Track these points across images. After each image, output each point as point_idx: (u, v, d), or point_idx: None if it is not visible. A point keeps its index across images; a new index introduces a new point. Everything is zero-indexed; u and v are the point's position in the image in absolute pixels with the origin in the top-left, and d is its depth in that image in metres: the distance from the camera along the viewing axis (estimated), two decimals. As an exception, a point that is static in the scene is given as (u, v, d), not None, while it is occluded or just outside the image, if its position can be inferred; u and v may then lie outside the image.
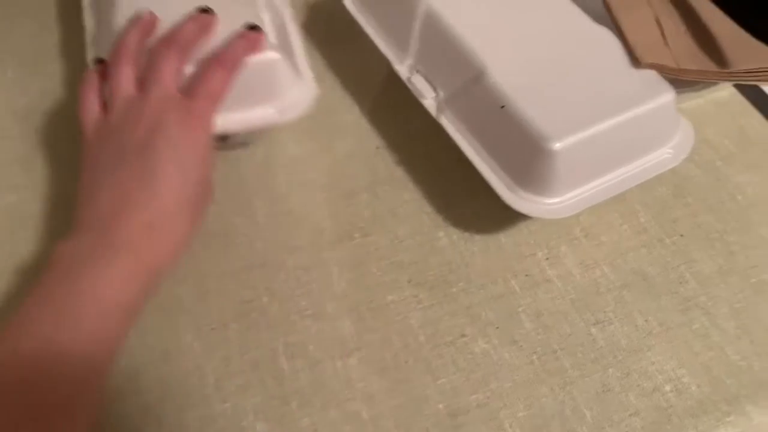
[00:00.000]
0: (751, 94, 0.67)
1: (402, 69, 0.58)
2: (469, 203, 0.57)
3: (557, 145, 0.47)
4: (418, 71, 0.57)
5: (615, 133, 0.49)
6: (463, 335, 0.51)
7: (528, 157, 0.49)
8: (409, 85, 0.57)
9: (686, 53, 0.54)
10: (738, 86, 0.66)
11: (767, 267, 0.55)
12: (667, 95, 0.51)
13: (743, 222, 0.58)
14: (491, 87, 0.51)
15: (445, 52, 0.55)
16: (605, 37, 0.54)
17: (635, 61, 0.53)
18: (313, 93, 0.56)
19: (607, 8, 0.56)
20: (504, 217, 0.51)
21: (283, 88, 0.55)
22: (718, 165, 0.61)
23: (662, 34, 0.54)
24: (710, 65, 0.53)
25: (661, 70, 0.53)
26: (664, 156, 0.52)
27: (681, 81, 0.55)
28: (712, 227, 0.57)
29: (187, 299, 0.51)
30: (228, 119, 0.53)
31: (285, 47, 0.57)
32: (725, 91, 0.67)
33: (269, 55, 0.54)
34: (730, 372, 0.49)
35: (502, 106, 0.50)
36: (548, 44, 0.54)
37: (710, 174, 0.61)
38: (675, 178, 0.60)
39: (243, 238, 0.55)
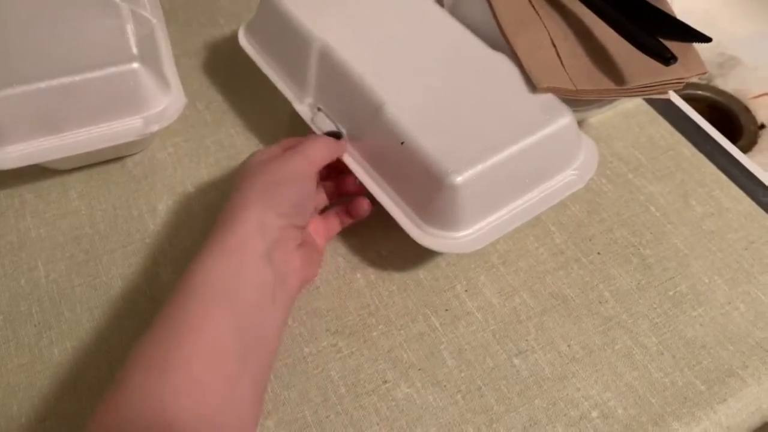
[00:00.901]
0: (658, 103, 0.68)
1: (303, 108, 0.56)
2: (384, 241, 0.56)
3: (458, 179, 0.46)
4: (319, 109, 0.56)
5: (516, 160, 0.48)
6: (385, 381, 0.49)
7: (431, 192, 0.48)
8: (312, 126, 0.55)
9: (583, 73, 0.54)
10: (644, 96, 0.66)
11: (683, 278, 0.55)
12: (565, 118, 0.50)
13: (657, 233, 0.58)
14: (390, 122, 0.50)
15: (342, 88, 0.54)
16: (501, 63, 0.54)
17: (532, 85, 0.52)
18: (180, 102, 0.57)
19: (502, 32, 0.55)
20: (421, 251, 0.49)
21: (148, 98, 0.55)
22: (630, 177, 0.62)
23: (558, 55, 0.54)
24: (608, 83, 0.53)
25: (559, 92, 0.52)
26: (569, 178, 0.52)
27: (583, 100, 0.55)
28: (627, 241, 0.57)
29: (91, 374, 0.48)
30: (92, 133, 0.54)
31: (151, 57, 0.56)
32: (632, 102, 0.67)
33: (130, 66, 0.53)
34: (655, 390, 0.49)
35: (402, 142, 0.49)
36: (445, 74, 0.53)
37: (622, 187, 0.61)
38: (588, 194, 0.60)
39: (149, 301, 0.52)
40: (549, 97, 0.52)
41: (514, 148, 0.48)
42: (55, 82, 0.52)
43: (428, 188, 0.48)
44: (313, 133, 0.55)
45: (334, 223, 0.54)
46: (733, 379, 0.50)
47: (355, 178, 0.53)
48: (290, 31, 0.57)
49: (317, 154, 0.49)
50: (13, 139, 0.52)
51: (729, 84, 1.01)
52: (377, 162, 0.52)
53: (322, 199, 0.55)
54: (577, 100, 0.55)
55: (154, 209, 0.58)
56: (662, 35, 0.53)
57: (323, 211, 0.55)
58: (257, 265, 0.43)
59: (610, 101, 0.59)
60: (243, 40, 0.62)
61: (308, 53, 0.56)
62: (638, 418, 0.48)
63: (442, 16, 0.59)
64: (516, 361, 0.50)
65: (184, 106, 0.56)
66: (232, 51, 0.70)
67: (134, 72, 0.53)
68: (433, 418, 0.47)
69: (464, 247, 0.48)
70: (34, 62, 0.52)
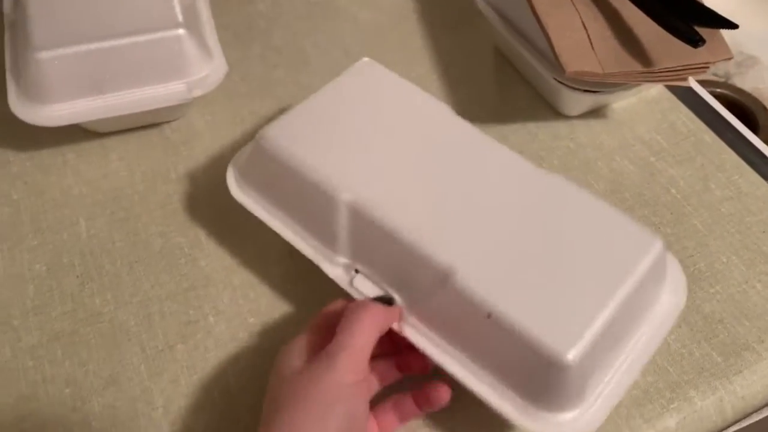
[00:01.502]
0: (680, 91, 0.69)
1: (336, 272, 0.46)
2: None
3: (571, 356, 0.39)
4: (357, 271, 0.46)
5: (620, 311, 0.42)
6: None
7: (537, 371, 0.40)
8: (350, 291, 0.46)
9: (611, 56, 0.55)
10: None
11: (701, 257, 0.57)
12: (655, 245, 0.44)
13: (677, 214, 0.59)
14: (464, 292, 0.41)
15: (388, 250, 0.44)
16: (561, 185, 0.47)
17: (561, 69, 0.54)
18: (222, 70, 0.58)
19: (534, 12, 0.57)
20: None
21: (191, 64, 0.57)
22: (652, 160, 0.63)
23: (588, 37, 0.56)
24: (635, 66, 0.55)
25: (587, 76, 0.54)
26: (663, 306, 0.47)
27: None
28: (648, 221, 0.59)
29: (131, 323, 0.51)
30: (136, 96, 0.55)
31: (194, 25, 0.58)
32: (655, 90, 0.69)
33: (176, 32, 0.55)
34: (672, 360, 0.51)
35: (489, 315, 0.40)
36: (507, 213, 0.45)
37: (644, 170, 0.63)
38: (611, 174, 0.62)
39: (186, 257, 0.54)
40: (626, 221, 0.45)
41: (617, 298, 0.41)
42: (103, 45, 0.54)
43: (531, 367, 0.40)
44: (350, 297, 0.45)
45: (390, 420, 0.43)
46: (749, 352, 0.51)
47: (423, 355, 0.43)
48: (303, 185, 0.47)
49: (364, 337, 0.39)
50: (61, 98, 0.55)
51: (747, 83, 1.02)
52: (451, 335, 0.43)
53: (374, 386, 0.44)
54: (602, 83, 0.57)
55: (192, 173, 0.60)
56: (689, 20, 0.54)
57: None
58: None
59: (636, 85, 0.60)
60: (237, 192, 0.50)
61: (334, 209, 0.46)
62: (656, 385, 0.49)
63: (474, 135, 0.49)
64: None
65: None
66: (268, 26, 0.72)
67: (179, 38, 0.56)
68: None
69: (585, 427, 0.41)
70: (83, 25, 0.54)
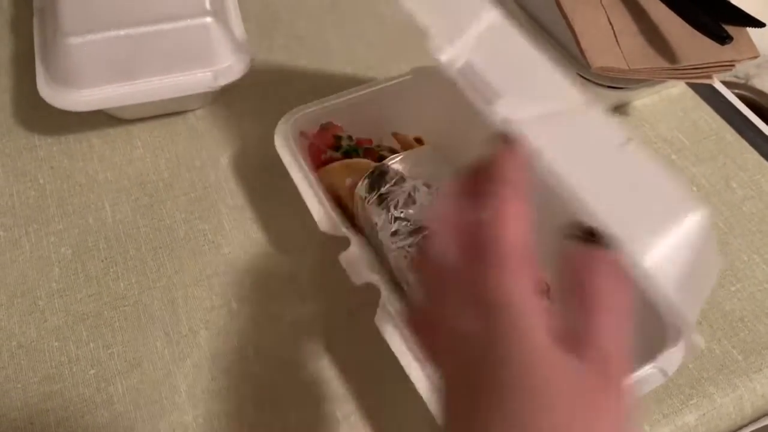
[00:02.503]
0: (702, 89, 0.69)
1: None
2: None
3: None
4: None
5: None
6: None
7: None
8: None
9: (637, 52, 0.56)
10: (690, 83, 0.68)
11: (723, 255, 0.57)
12: None
13: (699, 212, 0.59)
14: None
15: None
16: None
17: (586, 64, 0.54)
18: (248, 59, 0.58)
19: (560, 8, 0.57)
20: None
21: (218, 53, 0.57)
22: (673, 158, 0.63)
23: (614, 33, 0.56)
24: (660, 62, 0.55)
25: (613, 72, 0.54)
26: None
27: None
28: (669, 218, 0.59)
29: (155, 307, 0.51)
30: (164, 83, 0.56)
31: (221, 14, 0.58)
32: (677, 88, 0.69)
33: (203, 20, 0.55)
34: (693, 358, 0.51)
35: None
36: None
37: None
38: (632, 172, 0.62)
39: (210, 244, 0.55)
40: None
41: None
42: (132, 31, 0.55)
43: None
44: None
45: None
46: (769, 351, 0.51)
47: None
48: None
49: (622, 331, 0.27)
50: (90, 83, 0.55)
51: (766, 84, 1.02)
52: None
53: None
54: (627, 79, 0.57)
55: (217, 162, 0.60)
56: (716, 17, 0.54)
57: None
58: None
59: (660, 82, 0.60)
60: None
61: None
62: (675, 381, 0.50)
63: None
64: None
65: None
66: (291, 15, 0.72)
67: (206, 26, 0.56)
68: None
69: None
70: (112, 11, 0.55)
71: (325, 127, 0.54)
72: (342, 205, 0.51)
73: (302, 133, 0.54)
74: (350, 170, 0.51)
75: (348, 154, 0.54)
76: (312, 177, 0.50)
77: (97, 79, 0.55)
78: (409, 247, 0.46)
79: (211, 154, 0.61)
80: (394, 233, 0.47)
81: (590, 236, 0.29)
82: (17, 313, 0.50)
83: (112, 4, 0.55)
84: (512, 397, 0.25)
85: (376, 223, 0.48)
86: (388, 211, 0.48)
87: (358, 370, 0.49)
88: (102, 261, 0.53)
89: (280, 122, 0.53)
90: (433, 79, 0.54)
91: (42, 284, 0.52)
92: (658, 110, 0.67)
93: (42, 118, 0.61)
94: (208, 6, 0.56)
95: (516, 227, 0.28)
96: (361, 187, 0.49)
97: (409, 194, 0.48)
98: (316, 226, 0.50)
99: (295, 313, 0.51)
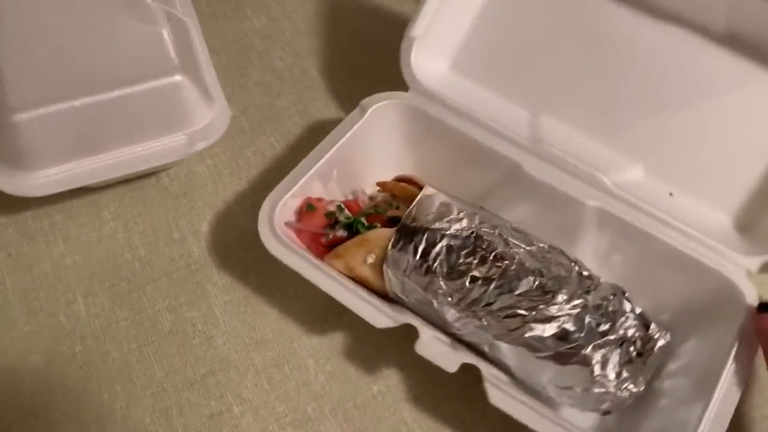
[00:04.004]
0: None
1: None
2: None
3: None
4: None
5: None
6: (463, 422, 0.46)
7: None
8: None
9: None
10: None
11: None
12: None
13: None
14: None
15: None
16: None
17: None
18: (226, 116, 0.52)
19: None
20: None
21: (191, 112, 0.51)
22: None
23: None
24: None
25: None
26: None
27: None
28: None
29: (147, 421, 0.45)
30: (132, 154, 0.49)
31: (191, 66, 0.51)
32: None
33: (172, 78, 0.49)
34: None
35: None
36: None
37: None
38: None
39: (201, 336, 0.48)
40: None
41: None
42: (90, 99, 0.47)
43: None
44: None
45: None
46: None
47: None
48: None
49: None
50: (47, 162, 0.48)
51: None
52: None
53: None
54: None
55: (197, 231, 0.53)
56: None
57: None
58: None
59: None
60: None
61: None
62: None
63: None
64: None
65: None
66: (263, 46, 0.65)
67: (176, 85, 0.49)
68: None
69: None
70: (65, 78, 0.47)
71: (308, 209, 0.48)
72: (366, 287, 0.46)
73: (287, 224, 0.47)
74: (366, 246, 0.45)
75: (350, 227, 0.48)
76: (326, 268, 0.45)
77: (54, 157, 0.48)
78: (483, 307, 0.42)
79: (189, 222, 0.54)
80: (460, 300, 0.43)
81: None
82: (-10, 446, 0.44)
83: (65, 71, 0.47)
84: None
85: (429, 295, 0.43)
86: (437, 275, 0.43)
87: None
88: (80, 368, 0.47)
89: (260, 219, 0.47)
90: (397, 110, 0.52)
91: (12, 405, 0.45)
92: None
93: (-9, 196, 0.53)
94: (175, 61, 0.49)
95: None
96: (395, 258, 0.44)
97: (449, 248, 0.44)
98: (318, 305, 0.45)
99: (308, 413, 0.46)
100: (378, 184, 0.52)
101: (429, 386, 0.47)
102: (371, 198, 0.53)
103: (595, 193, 0.49)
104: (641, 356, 0.42)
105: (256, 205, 0.48)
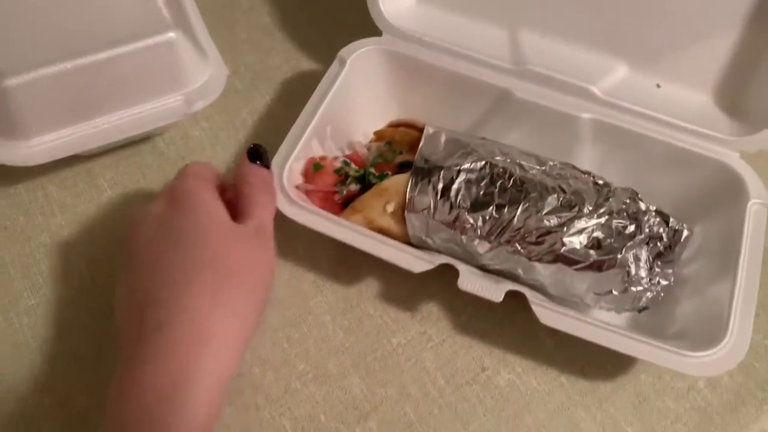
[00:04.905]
0: None
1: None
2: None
3: None
4: None
5: None
6: (484, 369, 0.46)
7: None
8: None
9: None
10: None
11: None
12: None
13: None
14: None
15: None
16: None
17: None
18: (222, 74, 0.51)
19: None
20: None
21: (187, 71, 0.49)
22: None
23: None
24: None
25: None
26: None
27: None
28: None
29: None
30: (129, 117, 0.48)
31: (183, 23, 0.49)
32: None
33: (166, 35, 0.47)
34: (757, 354, 0.47)
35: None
36: None
37: None
38: None
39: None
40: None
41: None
42: (81, 61, 0.45)
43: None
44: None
45: None
46: (833, 336, 0.49)
47: None
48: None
49: (270, 216, 0.43)
50: (40, 130, 0.46)
51: None
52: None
53: None
54: None
55: (199, 194, 0.52)
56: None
57: None
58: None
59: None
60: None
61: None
62: (746, 385, 0.46)
63: None
64: (614, 334, 0.48)
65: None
66: (249, 3, 0.63)
67: (170, 43, 0.47)
68: (541, 403, 0.45)
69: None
70: (55, 40, 0.45)
71: (316, 169, 0.48)
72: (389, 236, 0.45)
73: (298, 188, 0.47)
74: (384, 195, 0.45)
75: (362, 180, 0.47)
76: (350, 224, 0.44)
77: (48, 123, 0.46)
78: (514, 233, 0.43)
79: (191, 186, 0.52)
80: (489, 231, 0.43)
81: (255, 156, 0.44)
82: (8, 425, 0.42)
83: (53, 32, 0.45)
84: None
85: (456, 232, 0.44)
86: (462, 211, 0.43)
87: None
88: (89, 341, 0.45)
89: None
90: (375, 56, 0.52)
91: (24, 380, 0.44)
92: None
93: (-21, 169, 0.51)
94: (167, 17, 0.47)
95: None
96: (416, 202, 0.44)
97: (468, 182, 0.44)
98: (329, 263, 0.47)
99: (330, 368, 0.45)
100: (375, 133, 0.52)
101: (447, 335, 0.47)
102: (368, 149, 0.52)
103: (587, 104, 0.50)
104: (669, 249, 0.44)
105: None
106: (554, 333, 0.47)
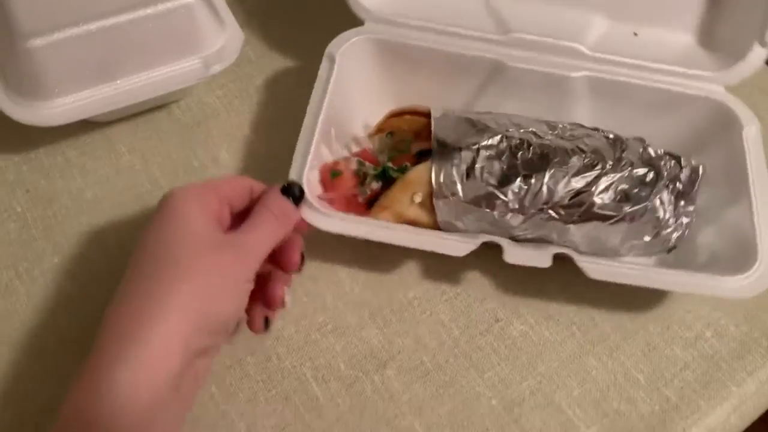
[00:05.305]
0: None
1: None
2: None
3: None
4: None
5: None
6: (497, 320, 0.47)
7: None
8: None
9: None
10: None
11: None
12: None
13: None
14: None
15: None
16: None
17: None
18: (239, 39, 0.52)
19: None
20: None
21: (205, 36, 0.50)
22: None
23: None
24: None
25: None
26: None
27: None
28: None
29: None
30: (149, 79, 0.49)
31: None
32: None
33: (185, 0, 0.48)
34: (764, 305, 0.49)
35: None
36: None
37: None
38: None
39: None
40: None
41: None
42: (103, 23, 0.46)
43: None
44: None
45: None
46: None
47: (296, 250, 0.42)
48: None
49: (270, 242, 0.39)
50: (62, 91, 0.47)
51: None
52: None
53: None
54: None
55: (217, 158, 0.53)
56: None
57: None
58: (168, 397, 0.33)
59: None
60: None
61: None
62: (751, 334, 0.48)
63: None
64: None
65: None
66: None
67: (189, 6, 0.48)
68: (553, 352, 0.46)
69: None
70: (78, 1, 0.46)
71: (334, 176, 0.48)
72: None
73: (321, 198, 0.46)
74: (410, 186, 0.45)
75: (383, 176, 0.48)
76: (383, 222, 0.45)
77: (70, 84, 0.47)
78: (545, 200, 0.44)
79: (207, 150, 0.54)
80: (521, 203, 0.44)
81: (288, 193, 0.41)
82: (28, 373, 0.43)
83: (75, -6, 0.46)
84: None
85: (487, 209, 0.44)
86: (490, 187, 0.44)
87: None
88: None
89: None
90: (362, 48, 0.51)
91: (49, 336, 0.45)
92: None
93: None
94: (185, -19, 0.48)
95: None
96: (443, 188, 0.44)
97: (490, 158, 0.45)
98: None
99: (348, 320, 0.46)
100: (380, 126, 0.51)
101: (460, 289, 0.48)
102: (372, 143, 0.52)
103: (577, 63, 0.51)
104: (688, 187, 0.46)
105: (273, 133, 0.48)
106: (564, 287, 0.48)
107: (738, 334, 0.48)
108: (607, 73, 0.51)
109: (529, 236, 0.45)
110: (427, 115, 0.48)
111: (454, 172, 0.44)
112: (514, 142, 0.45)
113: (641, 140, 0.47)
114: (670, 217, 0.45)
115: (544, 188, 0.44)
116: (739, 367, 0.47)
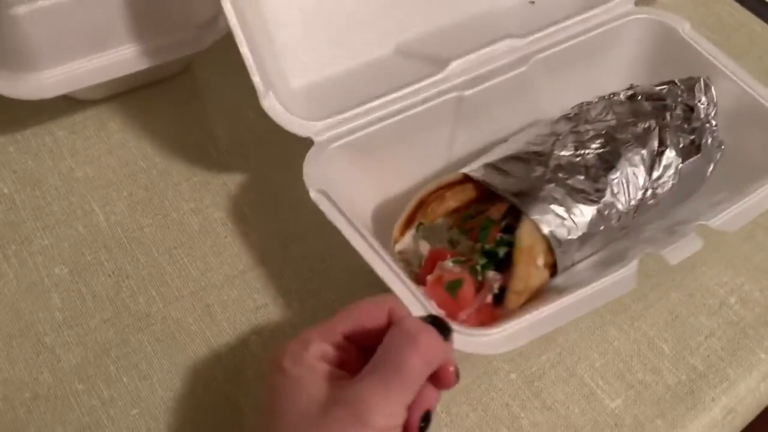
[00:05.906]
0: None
1: None
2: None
3: None
4: None
5: None
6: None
7: None
8: None
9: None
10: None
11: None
12: None
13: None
14: None
15: None
16: None
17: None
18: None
19: None
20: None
21: (198, 5, 0.47)
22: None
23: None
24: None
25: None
26: None
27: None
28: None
29: (189, 320, 0.43)
30: (139, 51, 0.46)
31: None
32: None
33: None
34: None
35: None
36: None
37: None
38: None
39: (233, 234, 0.46)
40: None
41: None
42: (92, -10, 0.44)
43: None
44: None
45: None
46: None
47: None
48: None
49: (414, 377, 0.30)
50: (49, 62, 0.45)
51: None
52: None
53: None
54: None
55: (212, 134, 0.51)
56: None
57: None
58: None
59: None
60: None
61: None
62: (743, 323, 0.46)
63: None
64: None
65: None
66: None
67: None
68: (572, 323, 0.44)
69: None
70: (64, -33, 0.44)
71: (454, 291, 0.40)
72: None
73: (460, 322, 0.39)
74: (528, 252, 0.40)
75: (492, 258, 0.40)
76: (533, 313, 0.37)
77: (58, 55, 0.44)
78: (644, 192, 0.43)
79: (202, 127, 0.51)
80: (629, 208, 0.42)
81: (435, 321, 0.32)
82: (21, 357, 0.41)
83: (63, -42, 0.44)
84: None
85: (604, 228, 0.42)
86: (594, 209, 0.41)
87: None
88: (109, 276, 0.44)
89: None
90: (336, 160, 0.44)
91: (42, 316, 0.42)
92: (681, 7, 0.61)
93: (-20, 114, 0.50)
94: (177, -53, 0.46)
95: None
96: (558, 234, 0.40)
97: (565, 182, 0.41)
98: None
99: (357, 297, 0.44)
100: (402, 227, 0.43)
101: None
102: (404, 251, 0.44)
103: (521, 54, 0.49)
104: (707, 103, 0.47)
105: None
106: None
107: (763, 300, 0.46)
108: (547, 49, 0.49)
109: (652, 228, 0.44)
110: (465, 181, 0.43)
111: (553, 217, 0.40)
112: (570, 154, 0.42)
113: (632, 86, 0.47)
114: (711, 128, 0.46)
115: (633, 186, 0.42)
116: (766, 333, 0.45)
